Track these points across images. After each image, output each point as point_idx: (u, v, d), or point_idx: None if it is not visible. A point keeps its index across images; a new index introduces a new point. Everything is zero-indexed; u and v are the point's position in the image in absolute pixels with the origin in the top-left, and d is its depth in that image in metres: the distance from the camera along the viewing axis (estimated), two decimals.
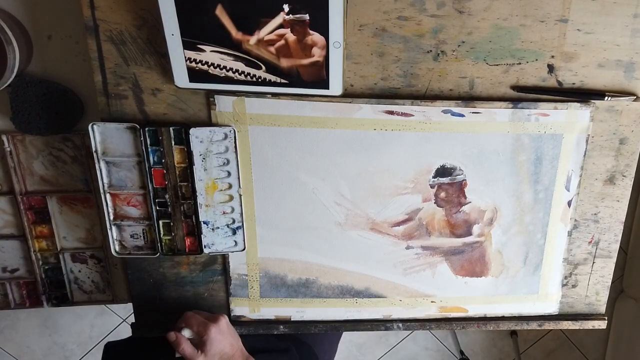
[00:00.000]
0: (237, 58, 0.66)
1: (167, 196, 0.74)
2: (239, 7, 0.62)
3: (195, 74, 0.67)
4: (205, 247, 0.77)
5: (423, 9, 0.68)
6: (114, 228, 0.76)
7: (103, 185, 0.73)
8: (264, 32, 0.64)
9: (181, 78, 0.67)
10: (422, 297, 0.84)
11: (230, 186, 0.75)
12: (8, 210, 0.82)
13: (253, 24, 0.63)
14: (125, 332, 1.76)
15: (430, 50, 0.70)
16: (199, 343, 0.70)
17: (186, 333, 0.70)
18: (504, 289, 0.84)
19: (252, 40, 0.65)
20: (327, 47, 0.65)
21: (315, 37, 0.64)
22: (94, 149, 0.71)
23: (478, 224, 0.80)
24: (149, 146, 0.71)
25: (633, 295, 1.76)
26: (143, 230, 0.77)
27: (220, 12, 0.62)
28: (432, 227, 0.80)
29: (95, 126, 0.70)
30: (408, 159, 0.75)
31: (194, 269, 0.81)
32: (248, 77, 0.67)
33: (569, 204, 0.80)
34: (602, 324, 0.88)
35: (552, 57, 0.71)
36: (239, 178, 0.74)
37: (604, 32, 0.70)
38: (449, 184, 0.77)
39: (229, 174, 0.74)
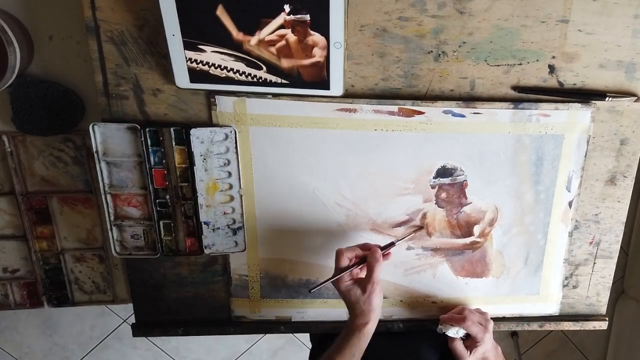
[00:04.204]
0: (237, 58, 0.66)
1: (167, 197, 0.74)
2: (239, 8, 0.62)
3: (196, 75, 0.67)
4: (205, 247, 0.77)
5: (424, 10, 0.68)
6: (114, 228, 0.76)
7: (104, 186, 0.73)
8: (265, 33, 0.64)
9: (182, 78, 0.67)
10: (423, 297, 0.84)
11: (230, 187, 0.75)
12: (9, 211, 0.82)
13: (254, 25, 0.63)
14: (126, 332, 1.76)
15: (431, 51, 0.70)
16: (471, 344, 0.76)
17: (460, 332, 0.76)
18: (505, 289, 0.84)
19: (253, 40, 0.65)
20: (327, 47, 0.65)
21: (316, 37, 0.64)
22: (94, 150, 0.71)
23: (479, 224, 0.80)
24: (149, 147, 0.71)
25: (634, 296, 1.76)
26: (144, 230, 0.77)
27: (221, 12, 0.62)
28: (433, 227, 0.79)
29: (96, 127, 0.70)
30: (409, 159, 0.75)
31: (194, 270, 0.81)
32: (249, 77, 0.67)
33: (570, 204, 0.80)
34: (603, 325, 0.88)
35: (553, 57, 0.71)
36: (239, 178, 0.74)
37: (605, 33, 0.70)
38: (449, 185, 0.77)
39: (230, 174, 0.74)
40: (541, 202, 0.79)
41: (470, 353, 0.75)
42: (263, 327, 0.84)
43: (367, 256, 0.69)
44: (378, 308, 0.68)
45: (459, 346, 0.76)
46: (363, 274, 0.71)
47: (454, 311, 0.81)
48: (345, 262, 0.69)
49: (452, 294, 0.84)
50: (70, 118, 0.76)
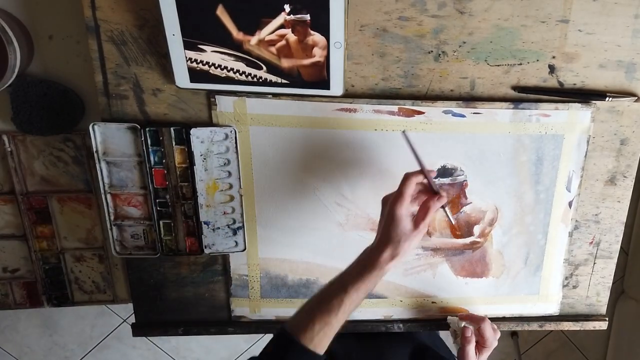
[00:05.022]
0: (237, 58, 0.66)
1: (167, 196, 0.74)
2: (239, 8, 0.62)
3: (196, 74, 0.67)
4: (205, 247, 0.77)
5: (424, 10, 0.68)
6: (114, 228, 0.76)
7: (104, 186, 0.73)
8: (265, 33, 0.64)
9: (182, 78, 0.67)
10: (423, 297, 0.84)
11: (230, 186, 0.75)
12: (9, 211, 0.82)
13: (254, 24, 0.63)
14: (126, 332, 1.76)
15: (431, 51, 0.70)
16: (478, 348, 0.77)
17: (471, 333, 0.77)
18: (505, 289, 0.84)
19: (253, 40, 0.65)
20: (328, 47, 0.65)
21: (316, 37, 0.64)
22: (94, 149, 0.71)
23: (479, 224, 0.80)
24: (149, 146, 0.71)
25: (634, 296, 1.76)
26: (144, 230, 0.77)
27: (221, 12, 0.62)
28: (433, 227, 0.79)
29: (96, 126, 0.70)
30: (409, 159, 0.75)
31: (194, 269, 0.81)
32: (249, 77, 0.67)
33: (570, 204, 0.80)
34: (602, 325, 0.88)
35: (553, 57, 0.71)
36: (239, 178, 0.74)
37: (605, 33, 0.70)
38: (449, 185, 0.77)
39: (230, 174, 0.74)
40: (541, 202, 0.79)
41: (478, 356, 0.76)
42: (263, 327, 0.84)
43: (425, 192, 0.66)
44: (410, 252, 0.64)
45: (472, 349, 0.75)
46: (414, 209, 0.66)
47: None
48: (412, 188, 0.64)
49: (452, 294, 0.84)
50: (70, 118, 0.76)
